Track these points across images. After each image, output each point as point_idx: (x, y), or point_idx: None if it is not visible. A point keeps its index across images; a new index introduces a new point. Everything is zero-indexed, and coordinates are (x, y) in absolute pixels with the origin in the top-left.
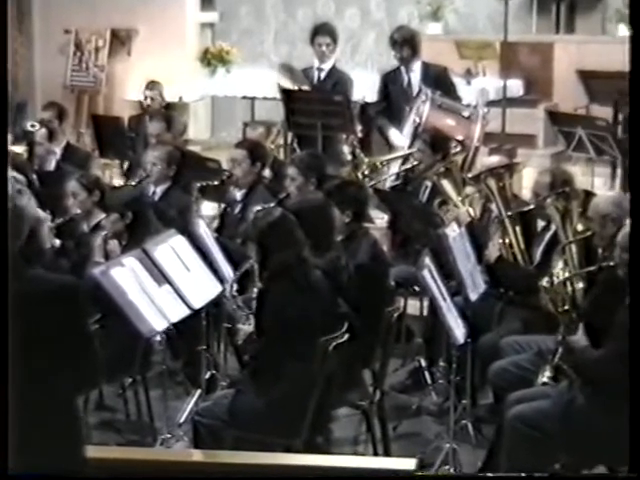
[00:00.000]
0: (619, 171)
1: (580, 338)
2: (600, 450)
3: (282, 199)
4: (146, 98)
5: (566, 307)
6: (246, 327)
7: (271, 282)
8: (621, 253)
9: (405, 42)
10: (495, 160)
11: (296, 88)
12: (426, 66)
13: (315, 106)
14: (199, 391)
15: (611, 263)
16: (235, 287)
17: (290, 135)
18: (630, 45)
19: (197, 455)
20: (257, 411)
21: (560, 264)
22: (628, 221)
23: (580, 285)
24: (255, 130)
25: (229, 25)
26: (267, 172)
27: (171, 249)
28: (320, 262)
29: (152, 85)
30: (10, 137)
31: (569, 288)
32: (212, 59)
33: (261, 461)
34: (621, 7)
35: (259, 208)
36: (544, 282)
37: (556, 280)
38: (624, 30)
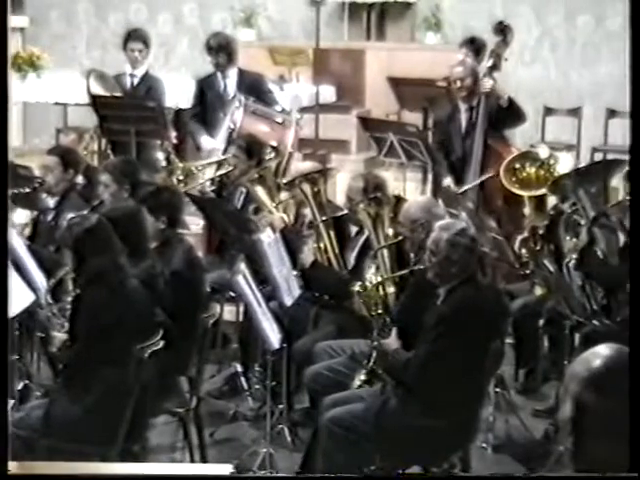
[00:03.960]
0: (429, 176)
1: (392, 341)
2: (413, 451)
3: (95, 206)
4: None
5: (379, 311)
6: (61, 335)
7: (86, 288)
8: (430, 257)
9: (221, 48)
10: (309, 165)
11: (108, 94)
12: (242, 73)
13: (128, 112)
14: (12, 402)
15: (420, 267)
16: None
17: (104, 141)
18: (630, 46)
19: (10, 467)
20: (71, 420)
21: (373, 268)
22: (436, 225)
23: (392, 289)
24: (68, 136)
25: (40, 30)
26: (80, 179)
27: None
28: (136, 270)
29: None
30: None
31: (381, 292)
32: (23, 64)
33: (76, 471)
34: (429, 15)
35: (72, 215)
36: (357, 286)
37: (369, 284)
38: (432, 38)
